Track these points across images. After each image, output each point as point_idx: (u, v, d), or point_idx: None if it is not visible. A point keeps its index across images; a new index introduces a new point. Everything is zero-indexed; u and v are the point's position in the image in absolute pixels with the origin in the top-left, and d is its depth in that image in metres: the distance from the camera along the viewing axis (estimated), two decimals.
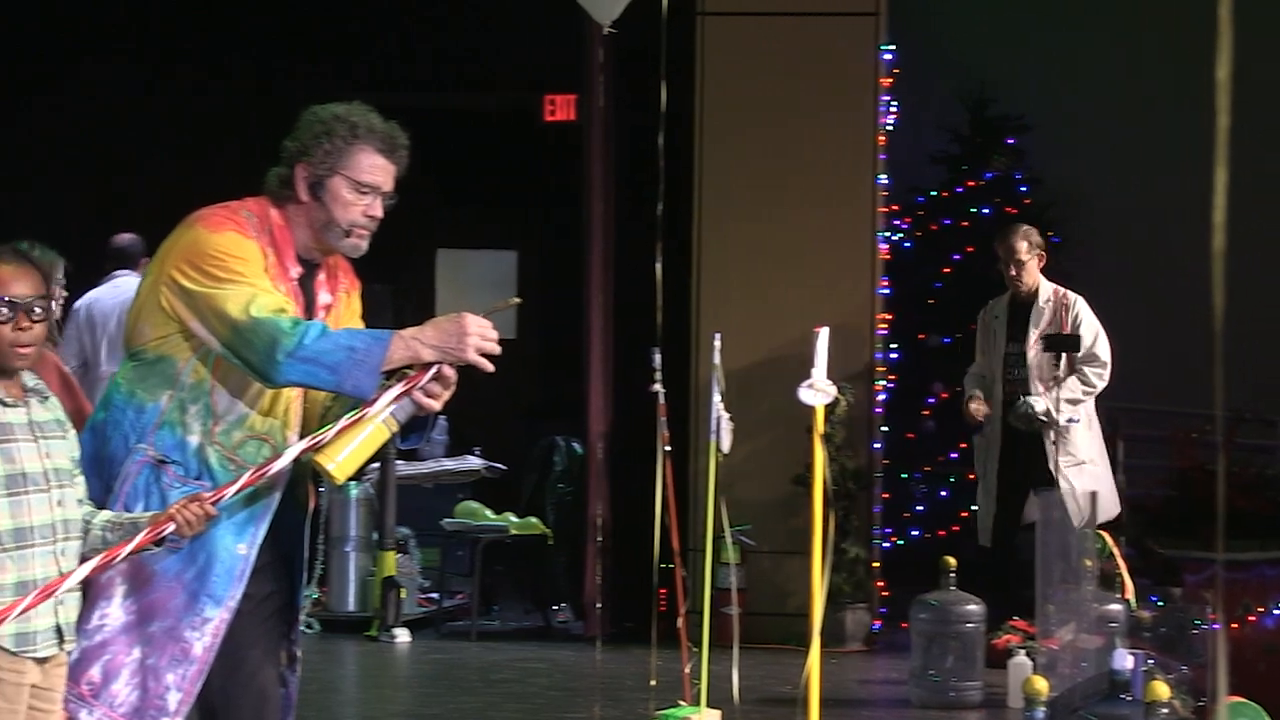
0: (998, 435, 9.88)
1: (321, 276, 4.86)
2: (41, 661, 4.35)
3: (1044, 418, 9.60)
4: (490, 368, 4.59)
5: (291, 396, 4.72)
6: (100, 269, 9.61)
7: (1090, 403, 9.80)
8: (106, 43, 13.31)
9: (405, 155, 4.86)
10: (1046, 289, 9.90)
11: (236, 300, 4.52)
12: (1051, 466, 9.50)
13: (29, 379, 4.41)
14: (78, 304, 9.43)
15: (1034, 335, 9.80)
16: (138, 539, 4.35)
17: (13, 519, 4.26)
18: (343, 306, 4.93)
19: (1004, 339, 9.95)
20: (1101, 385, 9.73)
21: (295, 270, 4.76)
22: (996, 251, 10.03)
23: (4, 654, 4.27)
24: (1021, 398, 9.66)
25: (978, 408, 9.78)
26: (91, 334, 9.43)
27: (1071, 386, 9.67)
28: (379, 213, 4.80)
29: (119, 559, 4.38)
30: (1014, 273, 9.89)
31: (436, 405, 4.61)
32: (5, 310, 4.29)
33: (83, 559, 4.38)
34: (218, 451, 4.63)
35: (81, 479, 4.49)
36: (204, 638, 4.61)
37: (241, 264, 4.60)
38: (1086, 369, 9.69)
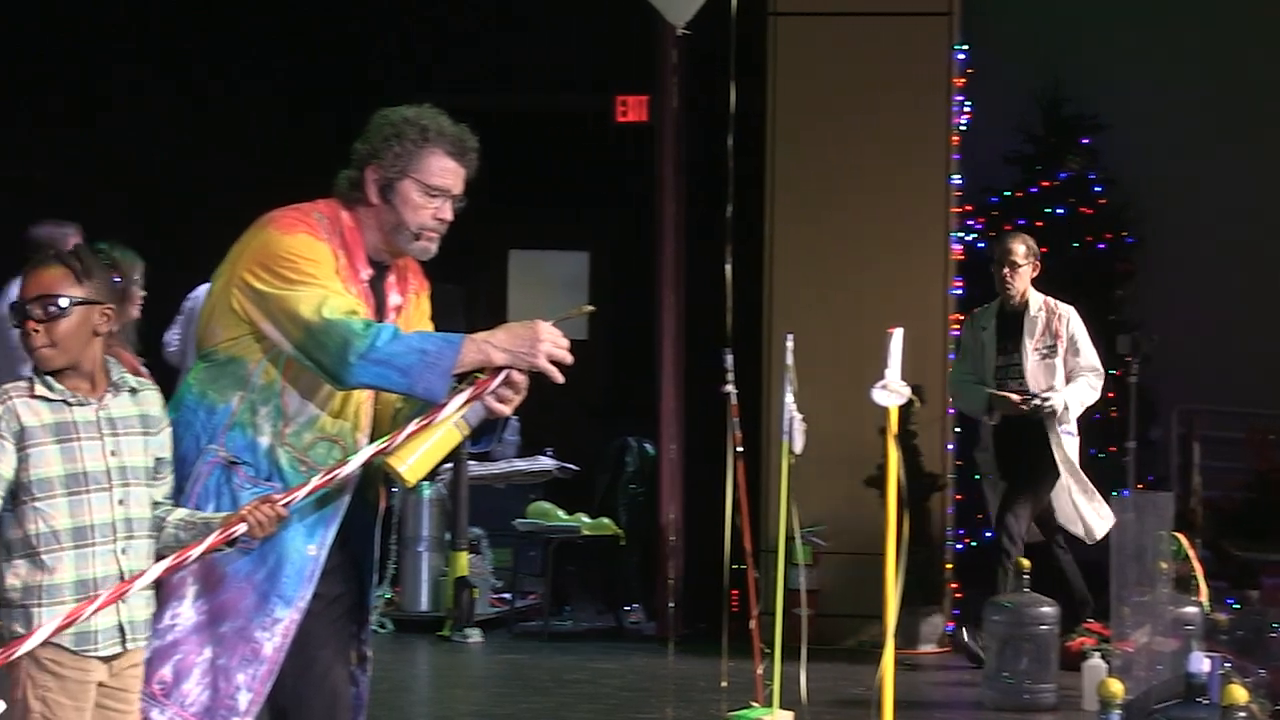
0: (991, 444, 9.86)
1: (392, 278, 4.85)
2: (107, 660, 4.37)
3: (1061, 414, 9.57)
4: (560, 378, 4.59)
5: (362, 399, 4.71)
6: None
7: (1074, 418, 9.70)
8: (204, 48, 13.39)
9: (475, 158, 4.85)
10: (1037, 298, 9.76)
11: (309, 302, 4.52)
12: (1060, 462, 9.54)
13: (115, 372, 4.43)
14: (187, 299, 9.56)
15: (1029, 345, 9.66)
16: (209, 540, 4.37)
17: (72, 518, 4.29)
18: (412, 308, 4.92)
19: (993, 350, 9.78)
20: (1097, 396, 9.76)
21: (366, 272, 4.76)
22: (992, 254, 9.93)
23: (66, 653, 4.29)
24: (1040, 398, 9.54)
25: (1015, 398, 9.58)
26: (189, 330, 9.53)
27: (1082, 387, 9.63)
28: (449, 216, 4.78)
29: (190, 559, 4.39)
30: (1007, 275, 9.69)
31: (507, 409, 4.60)
32: (16, 313, 4.35)
33: (157, 557, 4.40)
34: (288, 453, 4.63)
35: (168, 478, 4.51)
36: (274, 638, 4.62)
37: (313, 265, 4.60)
38: (1092, 376, 9.67)
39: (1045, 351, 9.67)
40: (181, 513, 4.48)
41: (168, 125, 13.30)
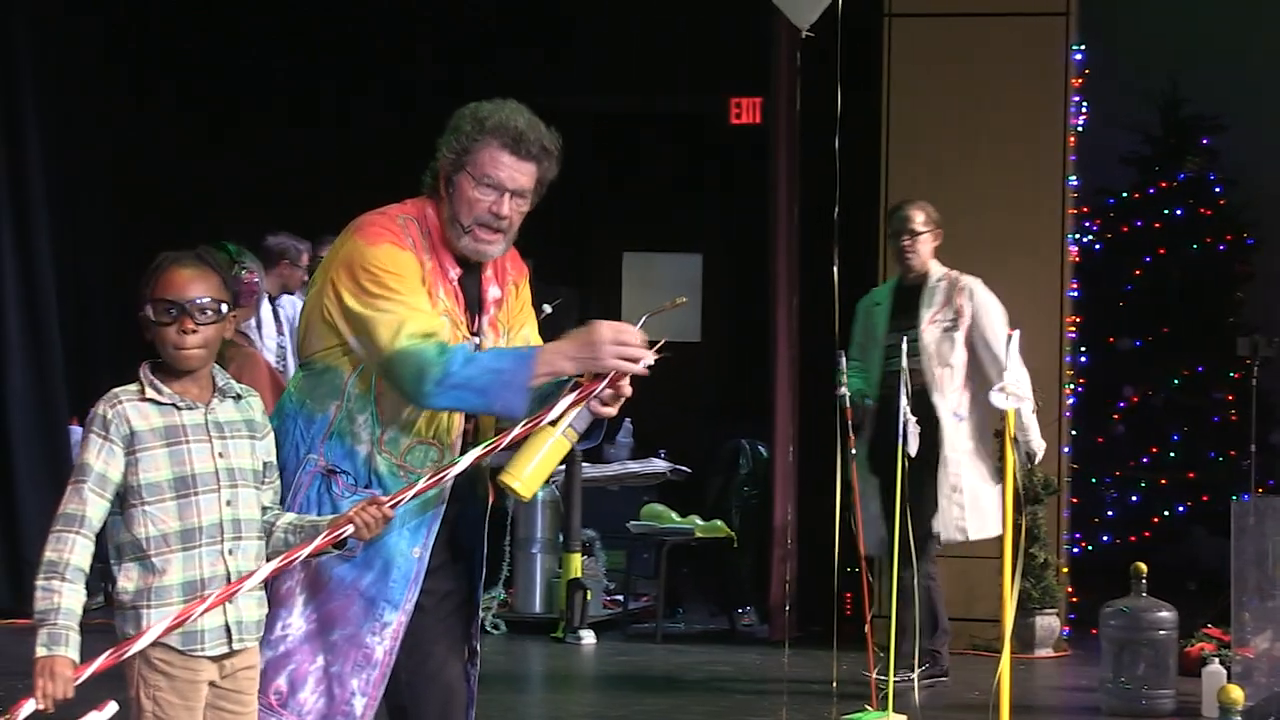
0: (870, 435, 8.90)
1: (488, 272, 4.82)
2: (216, 660, 4.40)
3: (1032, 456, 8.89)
4: (639, 370, 4.50)
5: None
6: None
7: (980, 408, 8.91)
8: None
9: (542, 153, 4.77)
10: (938, 270, 9.04)
11: (387, 327, 4.51)
12: (944, 471, 8.85)
13: (220, 378, 4.47)
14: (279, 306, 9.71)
15: (927, 317, 8.92)
16: (316, 541, 4.40)
17: (180, 521, 4.31)
18: (511, 299, 4.90)
19: (885, 326, 9.00)
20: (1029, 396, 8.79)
21: (454, 271, 4.73)
22: (888, 225, 9.25)
23: (175, 653, 4.32)
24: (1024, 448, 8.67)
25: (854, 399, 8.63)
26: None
27: (1027, 412, 8.56)
28: (505, 211, 4.70)
29: (297, 560, 4.43)
30: (907, 245, 8.99)
31: (611, 411, 4.57)
32: (171, 311, 4.36)
33: (267, 561, 4.44)
34: (386, 460, 4.63)
35: (275, 482, 4.54)
36: (384, 641, 4.65)
37: (397, 280, 4.57)
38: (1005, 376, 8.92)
39: (947, 324, 8.91)
40: (290, 516, 4.51)
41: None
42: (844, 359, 8.13)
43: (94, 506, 4.25)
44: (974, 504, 8.94)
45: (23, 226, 11.37)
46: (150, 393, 4.34)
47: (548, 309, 7.46)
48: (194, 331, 4.34)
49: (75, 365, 11.94)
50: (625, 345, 4.47)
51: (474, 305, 4.78)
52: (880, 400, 8.80)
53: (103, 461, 4.27)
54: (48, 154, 11.59)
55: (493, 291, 4.84)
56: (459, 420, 4.71)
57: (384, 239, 4.62)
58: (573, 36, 13.51)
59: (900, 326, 8.82)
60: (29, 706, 4.13)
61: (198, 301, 4.34)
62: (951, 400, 8.87)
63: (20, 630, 10.21)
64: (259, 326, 9.82)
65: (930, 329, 8.87)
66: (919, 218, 9.02)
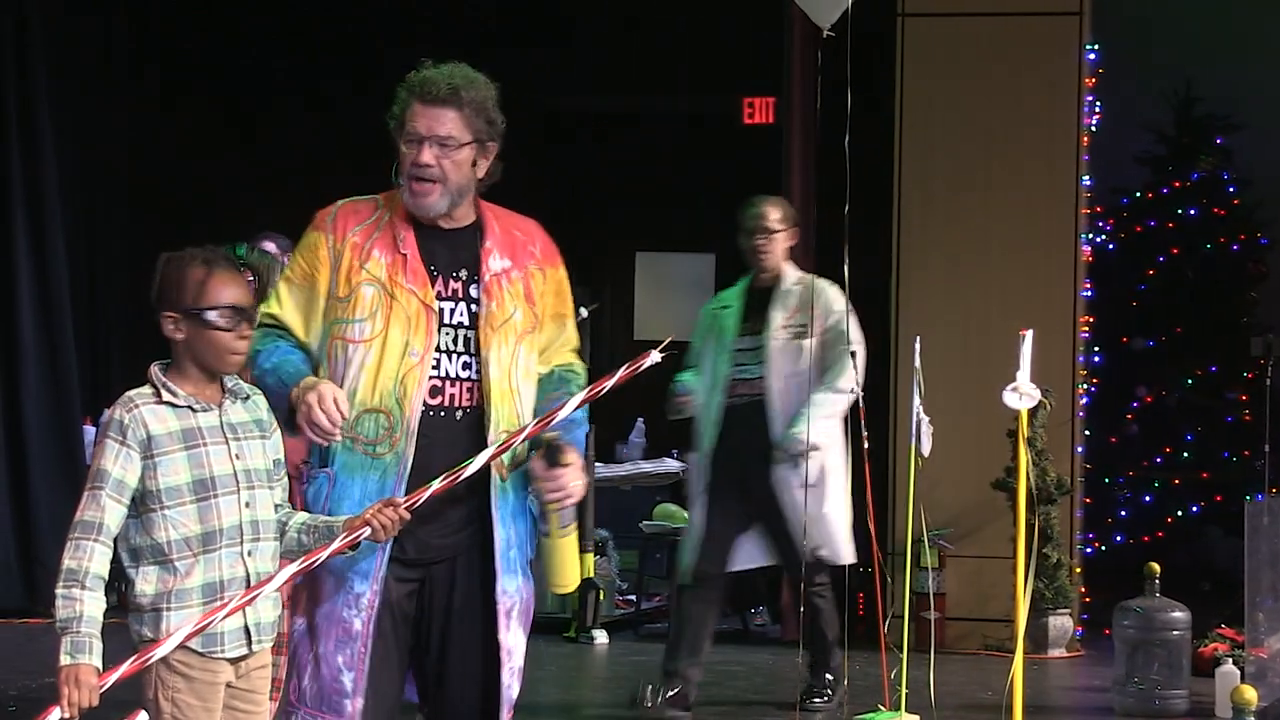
0: (711, 449, 8.22)
1: (488, 243, 4.84)
2: (234, 661, 4.41)
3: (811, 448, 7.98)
4: (318, 440, 4.62)
5: (406, 369, 4.68)
6: None
7: (838, 423, 8.17)
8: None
9: (453, 95, 4.78)
10: (793, 273, 8.33)
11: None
12: (781, 485, 8.04)
13: (229, 380, 4.48)
14: None
15: (779, 321, 8.16)
16: (335, 544, 4.41)
17: (201, 524, 4.32)
18: (537, 281, 4.88)
19: (734, 331, 8.24)
20: (850, 396, 8.09)
21: (405, 236, 4.77)
22: (740, 222, 8.40)
23: (194, 655, 4.33)
24: (788, 437, 8.01)
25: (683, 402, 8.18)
26: None
27: (821, 402, 8.02)
28: (425, 159, 4.73)
29: (316, 563, 4.44)
30: (761, 245, 8.24)
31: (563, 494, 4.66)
32: (231, 317, 4.37)
33: (281, 560, 4.46)
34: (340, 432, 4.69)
35: (283, 479, 4.55)
36: (360, 613, 4.64)
37: (292, 261, 4.81)
38: (837, 376, 8.09)
39: (796, 330, 8.14)
40: (302, 516, 4.52)
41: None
42: (856, 358, 8.11)
43: (112, 513, 4.25)
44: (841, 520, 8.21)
45: (37, 228, 11.39)
46: (166, 395, 4.35)
47: (584, 312, 7.46)
48: (248, 336, 4.40)
49: (89, 366, 11.96)
50: (313, 420, 4.54)
51: (451, 268, 4.78)
52: (725, 410, 8.11)
53: (120, 467, 4.27)
54: (62, 155, 11.62)
55: (496, 261, 4.82)
56: (414, 387, 4.67)
57: (311, 224, 4.81)
58: (588, 36, 13.51)
59: (751, 330, 8.18)
60: (55, 715, 4.14)
61: (251, 307, 4.42)
62: (792, 412, 8.02)
63: (34, 630, 10.24)
64: None
65: (780, 335, 8.13)
66: (774, 215, 8.31)
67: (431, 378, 4.69)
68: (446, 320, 4.72)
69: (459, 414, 4.70)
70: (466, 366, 4.73)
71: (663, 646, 10.44)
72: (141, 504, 4.30)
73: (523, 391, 4.78)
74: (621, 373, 4.67)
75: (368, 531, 4.41)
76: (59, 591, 4.20)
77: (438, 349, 4.69)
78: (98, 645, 4.18)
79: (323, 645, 4.66)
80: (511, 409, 4.72)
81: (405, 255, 4.75)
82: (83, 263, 11.95)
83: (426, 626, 4.76)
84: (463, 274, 4.78)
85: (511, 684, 4.87)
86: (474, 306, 4.75)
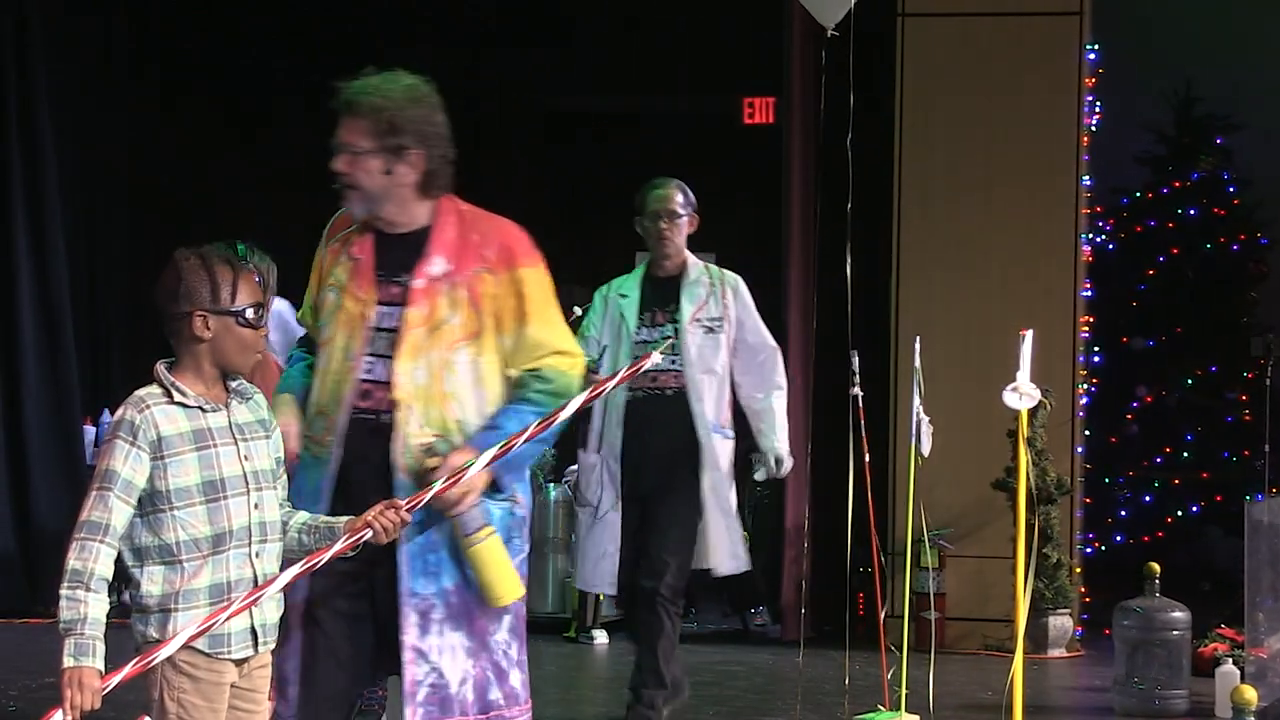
0: (617, 447, 7.59)
1: (430, 247, 4.89)
2: (239, 662, 4.41)
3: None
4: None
5: (340, 375, 4.84)
6: None
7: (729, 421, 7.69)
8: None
9: (363, 106, 4.87)
10: (696, 261, 7.75)
11: None
12: (707, 478, 7.54)
13: (233, 380, 4.47)
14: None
15: (689, 315, 7.58)
16: (336, 546, 4.43)
17: (211, 525, 4.31)
18: (489, 285, 4.87)
19: (634, 321, 7.65)
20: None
21: (359, 245, 4.92)
22: (638, 205, 7.82)
23: (201, 655, 4.32)
24: (766, 455, 7.68)
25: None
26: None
27: (776, 404, 7.72)
28: (338, 167, 4.87)
29: (318, 564, 4.45)
30: (665, 230, 7.64)
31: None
32: (258, 315, 4.40)
33: (282, 561, 4.46)
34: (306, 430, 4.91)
35: (283, 477, 4.56)
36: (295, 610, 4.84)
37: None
38: (776, 372, 7.71)
39: (711, 325, 7.61)
40: (302, 516, 4.53)
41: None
42: (856, 359, 8.10)
43: (119, 514, 4.24)
44: (717, 533, 7.65)
45: (37, 228, 11.39)
46: (177, 396, 4.34)
47: (577, 311, 7.42)
48: (265, 333, 4.47)
49: (89, 366, 11.96)
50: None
51: (395, 272, 4.85)
52: (630, 404, 7.54)
53: (129, 468, 4.26)
54: (62, 155, 11.62)
55: (434, 265, 4.85)
56: (345, 390, 4.81)
57: None
58: (588, 36, 13.52)
59: (655, 323, 7.62)
60: (57, 717, 4.13)
61: (263, 305, 4.47)
62: (712, 410, 7.54)
63: (35, 630, 10.24)
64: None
65: (693, 329, 7.57)
66: (678, 198, 7.73)
67: (363, 381, 4.80)
68: (381, 325, 4.81)
69: (384, 417, 4.77)
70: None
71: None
72: (150, 504, 4.29)
73: (469, 396, 4.80)
74: (623, 373, 4.70)
75: (369, 534, 4.43)
76: (64, 592, 4.19)
77: (372, 354, 4.79)
78: (100, 648, 4.18)
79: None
80: (440, 413, 4.76)
81: (358, 260, 4.88)
82: (83, 263, 11.95)
83: (378, 626, 4.87)
84: (403, 278, 4.84)
85: (424, 682, 4.88)
86: (386, 307, 4.85)
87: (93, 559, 4.20)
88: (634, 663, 7.58)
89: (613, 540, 7.57)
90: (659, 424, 7.52)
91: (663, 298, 7.65)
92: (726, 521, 7.62)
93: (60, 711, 4.12)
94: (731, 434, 7.63)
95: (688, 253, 7.74)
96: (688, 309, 7.58)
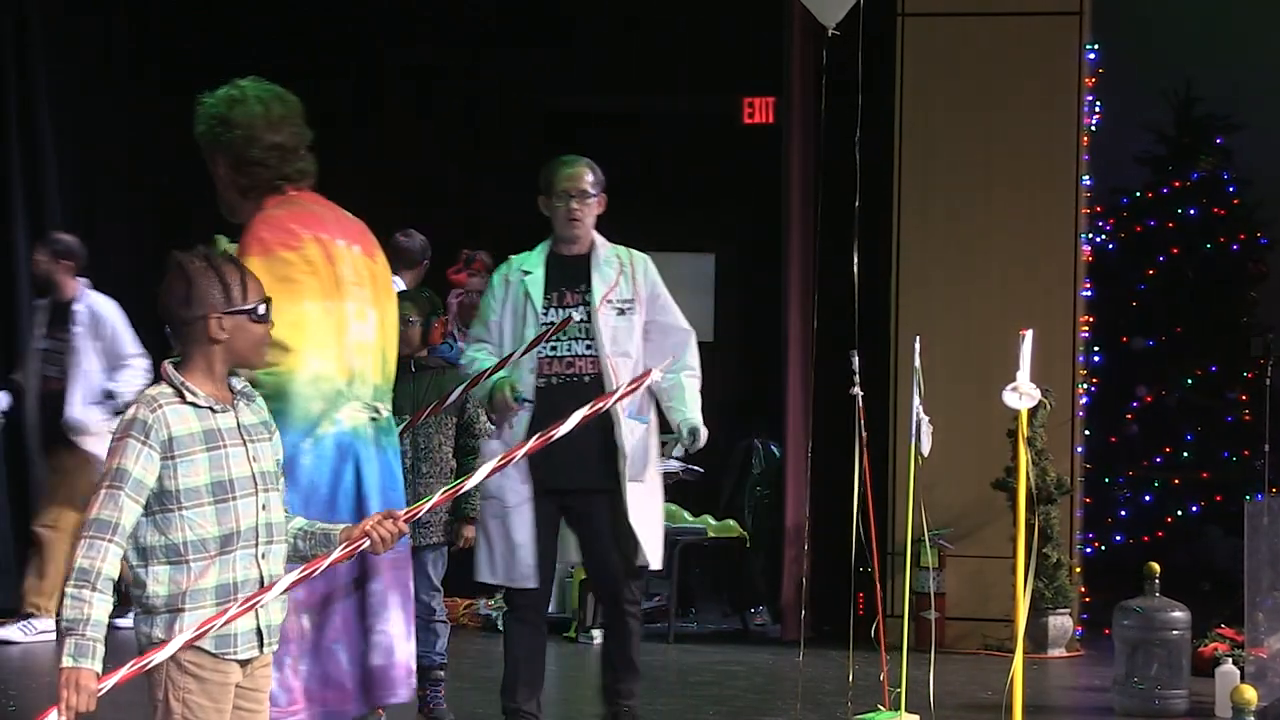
0: (522, 435, 7.06)
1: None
2: (244, 663, 4.42)
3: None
4: None
5: None
6: None
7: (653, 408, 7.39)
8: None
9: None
10: (604, 242, 7.39)
11: None
12: (624, 476, 7.17)
13: (236, 382, 4.48)
14: None
15: (600, 296, 7.21)
16: (336, 553, 4.45)
17: (219, 526, 4.32)
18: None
19: (540, 302, 7.22)
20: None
21: None
22: (544, 184, 7.42)
23: (207, 655, 4.33)
24: (679, 428, 7.30)
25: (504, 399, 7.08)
26: None
27: (689, 386, 7.35)
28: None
29: (319, 570, 4.47)
30: (576, 209, 7.29)
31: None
32: (268, 311, 4.41)
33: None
34: None
35: (284, 480, 4.57)
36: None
37: None
38: (688, 354, 7.41)
39: (623, 307, 7.26)
40: (300, 522, 4.54)
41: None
42: (856, 358, 8.08)
43: (129, 514, 4.24)
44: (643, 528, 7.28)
45: (37, 228, 11.38)
46: (189, 395, 4.35)
47: (578, 317, 7.31)
48: (271, 328, 4.50)
49: None
50: None
51: None
52: (541, 392, 7.15)
53: (141, 467, 4.26)
54: (62, 155, 11.61)
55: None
56: None
57: None
58: (588, 36, 13.51)
59: (562, 304, 7.22)
60: (52, 717, 4.13)
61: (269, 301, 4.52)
62: (630, 398, 6.98)
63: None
64: None
65: (605, 310, 7.21)
66: (589, 177, 7.38)
67: None
68: None
69: None
70: None
71: (662, 646, 10.48)
72: (158, 504, 4.29)
73: None
74: (623, 389, 4.74)
75: (367, 543, 4.46)
76: (69, 590, 4.18)
77: None
78: (100, 650, 4.18)
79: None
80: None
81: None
82: (85, 263, 11.93)
83: None
84: None
85: None
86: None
87: (100, 558, 4.19)
88: (603, 662, 7.51)
89: (526, 532, 7.17)
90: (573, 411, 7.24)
91: (571, 277, 7.27)
92: (648, 515, 7.25)
93: (55, 712, 4.12)
94: (649, 419, 7.29)
95: (595, 233, 7.39)
96: (599, 289, 7.23)
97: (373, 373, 5.30)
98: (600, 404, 4.78)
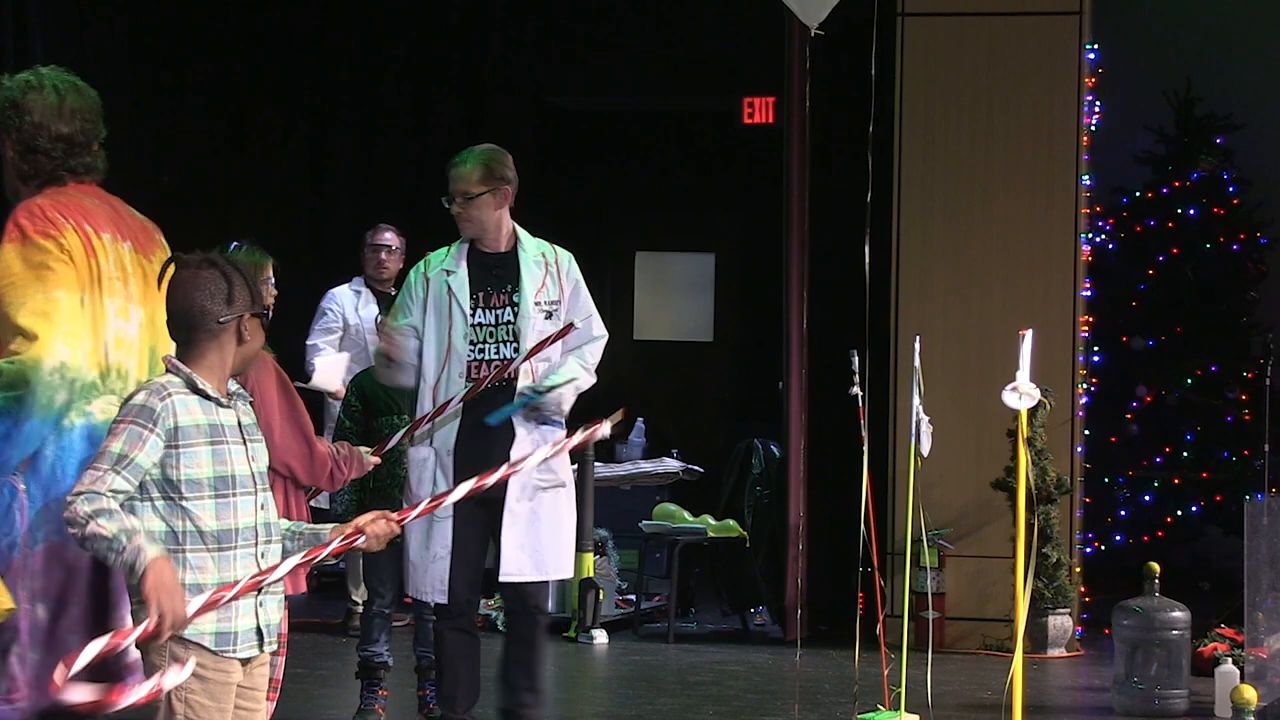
0: (451, 442, 6.92)
1: None
2: (244, 662, 4.43)
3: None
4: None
5: None
6: None
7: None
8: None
9: None
10: (527, 235, 7.12)
11: None
12: (516, 487, 6.89)
13: (231, 384, 4.49)
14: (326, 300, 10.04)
15: (530, 296, 6.96)
16: (332, 545, 4.46)
17: (218, 521, 4.33)
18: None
19: (466, 305, 6.94)
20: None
21: None
22: (456, 171, 7.08)
23: (208, 654, 4.34)
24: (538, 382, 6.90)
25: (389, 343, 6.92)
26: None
27: (574, 369, 7.02)
28: None
29: (314, 561, 4.49)
30: (460, 213, 7.03)
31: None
32: (268, 312, 4.46)
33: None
34: None
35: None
36: None
37: None
38: (588, 348, 7.10)
39: (549, 310, 7.02)
40: (285, 523, 4.56)
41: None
42: (856, 358, 8.08)
43: (120, 493, 4.23)
44: (560, 534, 7.12)
45: None
46: (200, 386, 4.37)
47: (578, 325, 7.24)
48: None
49: None
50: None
51: None
52: (478, 400, 6.86)
53: (143, 452, 4.26)
54: None
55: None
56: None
57: None
58: (588, 36, 13.52)
59: (489, 305, 6.97)
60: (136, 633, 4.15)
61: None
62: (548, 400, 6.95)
63: None
64: None
65: (535, 314, 6.96)
66: (475, 175, 7.03)
67: None
68: None
69: None
70: None
71: (662, 646, 10.48)
72: (159, 491, 4.30)
73: None
74: (577, 439, 4.85)
75: (362, 540, 4.46)
76: (100, 519, 4.16)
77: None
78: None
79: None
80: None
81: None
82: None
83: None
84: None
85: None
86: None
87: (104, 497, 4.19)
88: (502, 671, 7.10)
89: (444, 544, 6.90)
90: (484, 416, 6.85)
91: (498, 278, 6.99)
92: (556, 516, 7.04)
93: (148, 622, 4.14)
94: (563, 420, 7.02)
95: (515, 226, 7.09)
96: (529, 291, 6.95)
97: (136, 369, 5.17)
98: (561, 446, 4.91)
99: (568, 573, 7.25)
